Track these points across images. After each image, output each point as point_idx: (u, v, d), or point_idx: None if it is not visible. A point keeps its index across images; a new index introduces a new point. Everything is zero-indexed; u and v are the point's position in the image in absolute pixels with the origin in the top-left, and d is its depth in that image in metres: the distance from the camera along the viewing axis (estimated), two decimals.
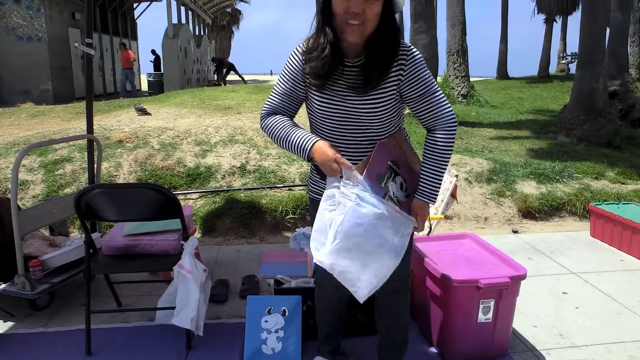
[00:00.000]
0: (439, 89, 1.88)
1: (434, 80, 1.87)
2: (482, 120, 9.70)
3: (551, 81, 20.92)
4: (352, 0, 1.68)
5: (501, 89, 19.35)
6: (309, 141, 1.84)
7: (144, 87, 22.51)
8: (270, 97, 1.99)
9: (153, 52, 22.49)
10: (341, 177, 1.81)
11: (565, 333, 2.89)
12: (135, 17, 26.34)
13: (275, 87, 1.98)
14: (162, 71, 19.52)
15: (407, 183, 1.94)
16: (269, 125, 1.96)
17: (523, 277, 2.48)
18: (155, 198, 2.48)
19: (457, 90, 13.16)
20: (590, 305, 3.24)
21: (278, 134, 1.92)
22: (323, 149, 1.82)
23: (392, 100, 1.86)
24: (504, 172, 5.64)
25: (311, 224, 2.24)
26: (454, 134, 1.87)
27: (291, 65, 1.94)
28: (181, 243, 2.63)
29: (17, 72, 14.36)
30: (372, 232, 1.78)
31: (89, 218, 2.56)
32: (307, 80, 1.91)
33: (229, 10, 35.95)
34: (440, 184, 1.89)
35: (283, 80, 1.96)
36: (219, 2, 29.22)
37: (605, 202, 4.62)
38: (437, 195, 1.90)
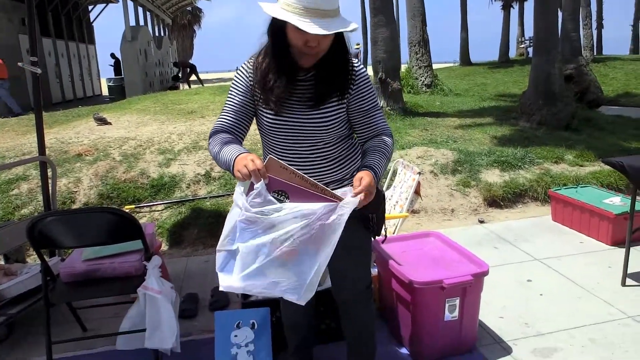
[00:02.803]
0: (380, 107, 1.98)
1: (377, 98, 1.98)
2: (447, 110, 9.81)
3: (512, 66, 21.35)
4: (309, 35, 1.68)
5: (465, 75, 19.66)
6: (235, 153, 1.74)
7: (105, 92, 22.09)
8: (220, 115, 1.96)
9: (112, 55, 22.02)
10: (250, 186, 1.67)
11: (530, 322, 2.97)
12: (91, 20, 25.73)
13: (225, 105, 1.96)
14: (122, 75, 19.13)
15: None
16: (210, 145, 1.89)
17: (486, 273, 2.53)
18: (112, 221, 2.43)
19: (420, 80, 13.30)
20: (553, 291, 3.33)
21: (214, 152, 1.84)
22: (245, 156, 1.70)
23: (342, 114, 1.90)
24: (469, 162, 5.73)
25: None
26: (393, 143, 1.96)
27: (240, 81, 1.94)
28: (144, 264, 2.58)
29: None
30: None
31: (45, 247, 2.50)
32: (257, 97, 1.90)
33: (189, 9, 35.40)
34: (381, 172, 1.84)
35: (232, 96, 1.94)
36: (179, 1, 28.68)
37: (564, 187, 4.76)
38: (380, 174, 1.82)
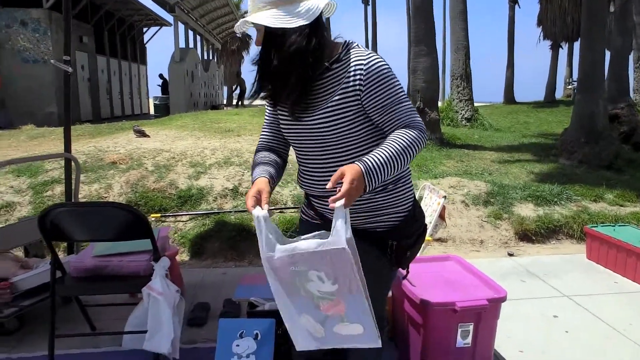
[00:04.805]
0: (406, 99, 1.71)
1: (401, 90, 1.70)
2: (485, 144, 9.63)
3: (557, 106, 20.90)
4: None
5: (508, 113, 19.32)
6: (253, 179, 1.78)
7: (152, 111, 22.81)
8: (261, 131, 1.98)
9: (161, 76, 22.78)
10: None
11: (552, 358, 2.77)
12: (145, 42, 26.75)
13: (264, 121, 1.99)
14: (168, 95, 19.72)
15: (327, 269, 1.56)
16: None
17: (503, 299, 2.38)
18: (123, 217, 2.43)
19: (460, 113, 13.15)
20: (580, 330, 3.12)
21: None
22: (252, 186, 1.72)
23: (350, 116, 1.70)
24: (502, 195, 5.54)
25: None
26: (425, 140, 1.68)
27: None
28: (152, 264, 2.56)
29: (22, 95, 14.38)
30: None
31: (55, 238, 2.51)
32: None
33: (239, 35, 36.43)
34: (385, 169, 1.58)
35: (267, 111, 1.95)
36: (229, 27, 29.56)
37: (602, 225, 4.52)
38: (374, 176, 1.56)
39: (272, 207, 5.08)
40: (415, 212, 1.88)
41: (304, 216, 2.05)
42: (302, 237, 1.59)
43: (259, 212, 1.57)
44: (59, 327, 2.91)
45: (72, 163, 3.58)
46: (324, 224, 1.86)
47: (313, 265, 1.55)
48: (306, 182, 1.87)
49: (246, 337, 2.47)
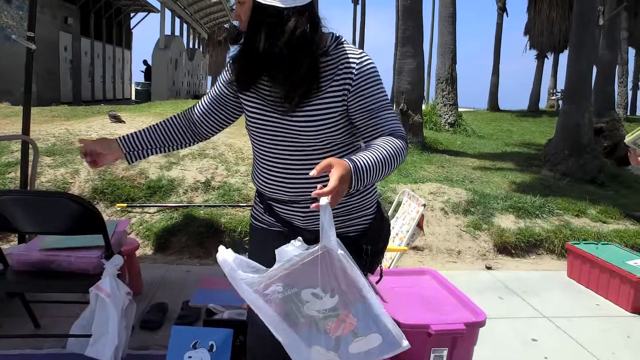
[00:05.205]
0: (390, 106, 1.61)
1: (386, 96, 1.61)
2: (467, 150, 9.54)
3: (540, 116, 21.04)
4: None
5: (491, 120, 19.37)
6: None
7: (133, 96, 22.41)
8: None
9: (145, 62, 22.40)
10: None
11: None
12: (131, 27, 26.24)
13: None
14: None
15: (323, 281, 1.36)
16: None
17: (482, 324, 2.21)
18: (73, 209, 2.21)
19: (444, 118, 13.05)
20: (560, 356, 2.95)
21: None
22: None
23: (336, 116, 1.56)
24: (483, 204, 5.40)
25: (250, 254, 1.80)
26: (406, 152, 1.55)
27: (225, 72, 1.74)
28: (102, 262, 2.33)
29: (3, 73, 13.93)
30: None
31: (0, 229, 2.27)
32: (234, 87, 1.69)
33: (226, 26, 36.03)
34: (372, 174, 1.41)
35: (217, 88, 1.77)
36: (216, 17, 29.21)
37: (584, 242, 4.39)
38: (361, 178, 1.38)
39: (244, 204, 4.85)
40: (382, 214, 1.78)
41: (258, 224, 1.81)
42: (276, 251, 1.36)
43: (225, 255, 1.34)
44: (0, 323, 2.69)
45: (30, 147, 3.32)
46: (289, 232, 1.66)
47: (304, 282, 1.34)
48: (270, 184, 1.66)
49: (200, 349, 2.26)
